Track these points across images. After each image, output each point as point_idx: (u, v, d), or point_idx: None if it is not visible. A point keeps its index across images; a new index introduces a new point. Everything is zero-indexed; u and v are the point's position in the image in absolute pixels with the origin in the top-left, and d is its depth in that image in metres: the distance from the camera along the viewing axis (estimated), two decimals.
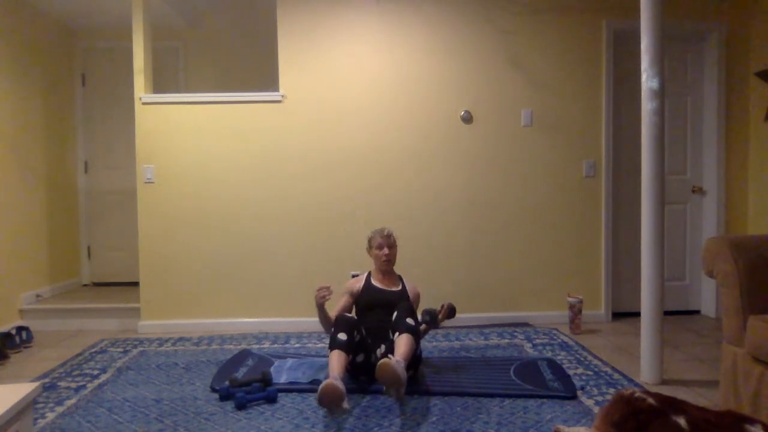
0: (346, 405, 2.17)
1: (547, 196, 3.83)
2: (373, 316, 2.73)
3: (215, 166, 3.76)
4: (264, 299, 3.78)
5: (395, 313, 2.55)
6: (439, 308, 2.77)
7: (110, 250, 4.75)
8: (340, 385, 2.16)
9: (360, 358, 2.54)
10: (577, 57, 3.82)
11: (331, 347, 2.41)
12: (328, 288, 2.57)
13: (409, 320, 2.48)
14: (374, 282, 2.87)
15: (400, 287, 2.87)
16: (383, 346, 2.58)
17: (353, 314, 2.81)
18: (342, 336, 2.42)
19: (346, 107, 3.77)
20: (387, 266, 2.85)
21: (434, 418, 2.21)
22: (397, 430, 2.11)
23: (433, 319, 2.73)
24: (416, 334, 2.48)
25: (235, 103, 3.76)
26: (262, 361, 2.98)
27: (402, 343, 2.39)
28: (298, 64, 3.75)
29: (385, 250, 2.82)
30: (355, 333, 2.49)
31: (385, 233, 2.87)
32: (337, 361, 2.34)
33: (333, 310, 2.77)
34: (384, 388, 2.22)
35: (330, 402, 2.14)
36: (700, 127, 4.04)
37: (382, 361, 2.19)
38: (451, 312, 2.76)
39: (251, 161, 3.76)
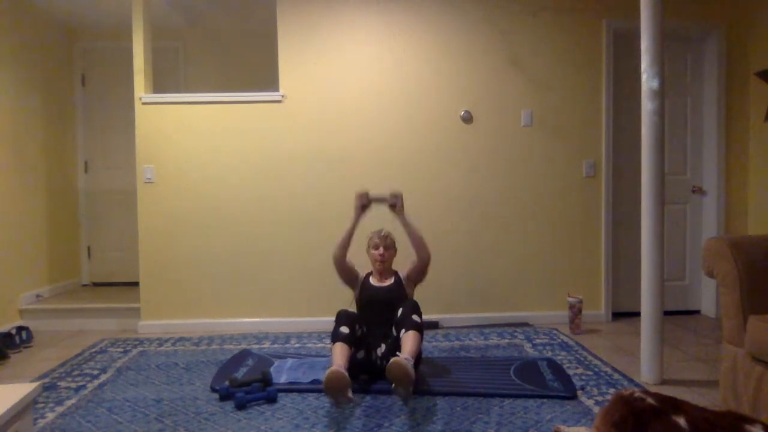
0: (350, 394, 2.18)
1: (547, 196, 3.83)
2: (371, 317, 2.72)
3: (215, 166, 3.76)
4: (264, 299, 3.78)
5: (400, 310, 2.55)
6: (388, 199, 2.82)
7: (110, 250, 4.75)
8: (345, 373, 2.18)
9: (361, 354, 2.55)
10: (577, 57, 3.82)
11: (334, 340, 2.44)
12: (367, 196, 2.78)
13: (415, 317, 2.49)
14: (371, 280, 2.88)
15: (393, 281, 2.85)
16: (383, 345, 2.59)
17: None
18: (344, 329, 2.46)
19: (346, 107, 3.77)
20: (380, 267, 2.83)
21: (434, 418, 2.21)
22: (398, 431, 2.11)
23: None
24: (422, 332, 2.49)
25: (235, 103, 3.76)
26: (262, 361, 2.98)
27: (409, 340, 2.40)
28: (298, 64, 3.75)
29: (380, 250, 2.81)
30: (357, 327, 2.51)
31: (383, 234, 2.86)
32: (340, 352, 2.37)
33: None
34: (393, 386, 2.23)
35: (336, 390, 2.15)
36: (700, 127, 4.04)
37: (392, 359, 2.20)
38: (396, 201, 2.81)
39: (251, 161, 3.76)
